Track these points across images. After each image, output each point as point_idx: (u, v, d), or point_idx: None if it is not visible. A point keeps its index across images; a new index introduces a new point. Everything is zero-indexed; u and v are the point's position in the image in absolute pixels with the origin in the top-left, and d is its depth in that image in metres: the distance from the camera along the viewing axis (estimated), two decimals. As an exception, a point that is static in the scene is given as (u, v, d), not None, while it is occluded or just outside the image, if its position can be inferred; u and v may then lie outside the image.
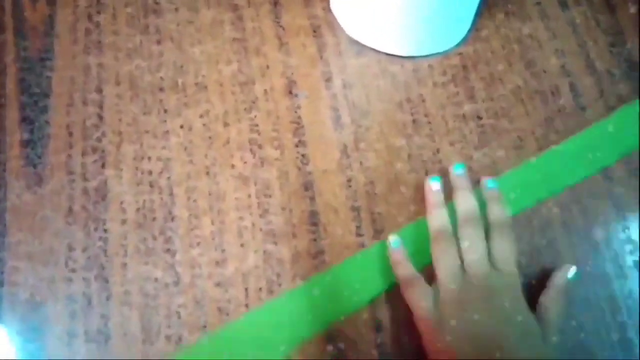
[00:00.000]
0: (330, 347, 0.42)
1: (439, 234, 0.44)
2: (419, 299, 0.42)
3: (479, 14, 0.53)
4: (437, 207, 0.45)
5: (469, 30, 0.53)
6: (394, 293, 0.43)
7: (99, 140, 0.48)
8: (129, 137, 0.48)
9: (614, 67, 0.52)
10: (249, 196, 0.47)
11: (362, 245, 0.46)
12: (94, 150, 0.48)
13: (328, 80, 0.51)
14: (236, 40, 0.53)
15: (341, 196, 0.47)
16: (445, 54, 0.53)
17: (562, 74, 0.52)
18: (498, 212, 0.45)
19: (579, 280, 0.44)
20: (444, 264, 0.43)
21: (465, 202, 0.45)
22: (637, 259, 0.46)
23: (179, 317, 0.43)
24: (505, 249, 0.43)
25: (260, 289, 0.44)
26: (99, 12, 0.53)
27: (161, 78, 0.51)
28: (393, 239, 0.45)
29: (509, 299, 0.41)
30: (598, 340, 0.43)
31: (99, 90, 0.50)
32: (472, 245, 0.43)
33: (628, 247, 0.46)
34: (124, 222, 0.46)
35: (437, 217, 0.45)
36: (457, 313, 0.40)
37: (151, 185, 0.47)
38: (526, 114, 0.51)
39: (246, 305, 0.43)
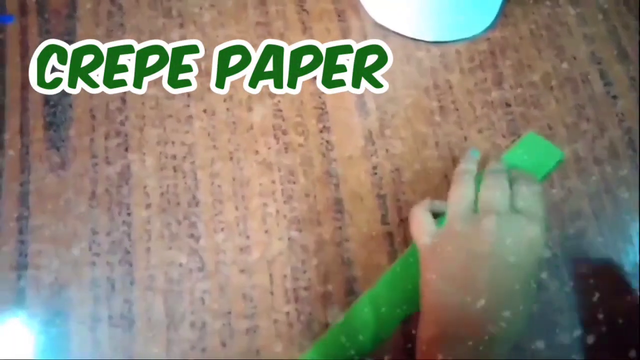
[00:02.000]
0: None
1: (461, 172, 0.42)
2: (420, 223, 0.41)
3: (507, -2, 0.52)
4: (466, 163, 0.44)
5: (497, 16, 0.52)
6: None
7: (122, 123, 0.48)
8: (152, 121, 0.48)
9: (646, 52, 0.51)
10: (273, 182, 0.46)
11: (389, 234, 0.45)
12: (117, 133, 0.47)
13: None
14: (259, 24, 0.52)
15: (367, 183, 0.46)
16: (472, 40, 0.52)
17: (592, 60, 0.51)
18: (527, 175, 0.43)
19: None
20: (456, 198, 0.41)
21: (493, 164, 0.44)
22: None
23: (203, 303, 0.43)
24: (533, 195, 0.40)
25: (285, 276, 0.43)
26: (121, -5, 0.53)
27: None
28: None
29: (515, 261, 0.37)
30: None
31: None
32: (494, 182, 0.41)
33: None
34: (148, 206, 0.45)
35: (464, 164, 0.43)
36: (440, 264, 0.39)
37: (175, 170, 0.46)
38: (556, 101, 0.50)
39: (271, 293, 0.43)
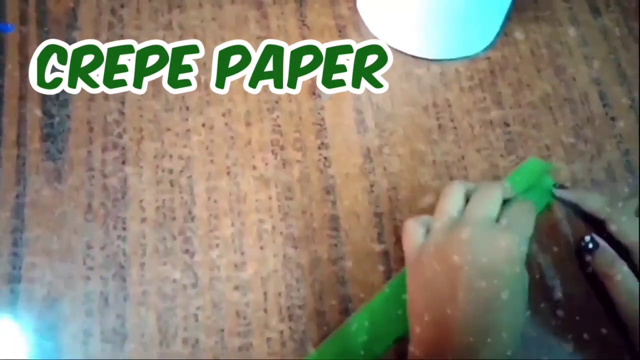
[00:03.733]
0: None
1: (451, 184, 0.42)
2: (410, 235, 0.41)
3: (508, 17, 0.52)
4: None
5: (498, 34, 0.52)
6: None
7: (119, 136, 0.48)
8: (150, 134, 0.48)
9: (646, 76, 0.51)
10: (270, 198, 0.46)
11: (385, 253, 0.45)
12: (115, 146, 0.47)
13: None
14: (260, 38, 0.52)
15: (363, 201, 0.46)
16: (472, 58, 0.52)
17: (592, 82, 0.51)
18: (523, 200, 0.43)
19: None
20: (440, 209, 0.41)
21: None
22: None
23: (197, 320, 0.42)
24: (521, 212, 0.40)
25: (279, 293, 0.43)
26: (122, 6, 0.52)
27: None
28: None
29: (483, 263, 0.37)
30: None
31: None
32: (485, 193, 0.41)
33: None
34: (143, 220, 0.45)
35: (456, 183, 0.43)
36: (420, 276, 0.39)
37: (171, 184, 0.46)
38: (554, 122, 0.50)
39: (265, 310, 0.43)
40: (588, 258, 0.42)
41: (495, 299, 0.36)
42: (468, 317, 0.36)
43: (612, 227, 0.42)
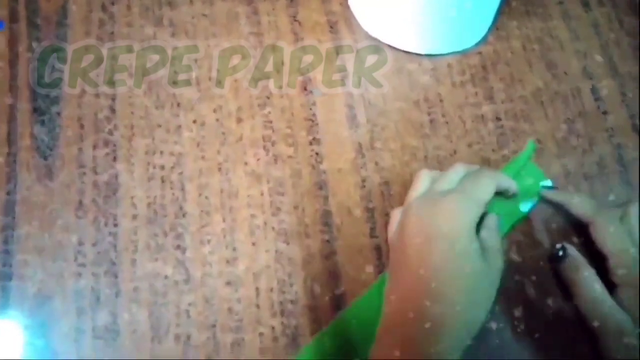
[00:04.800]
0: None
1: (420, 171, 0.43)
2: (390, 223, 0.42)
3: (499, 12, 0.52)
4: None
5: (489, 29, 0.52)
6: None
7: (110, 133, 0.48)
8: (141, 130, 0.48)
9: (637, 70, 0.51)
10: (262, 194, 0.46)
11: (377, 248, 0.45)
12: (106, 143, 0.47)
13: (344, 77, 0.50)
14: (251, 35, 0.52)
15: (355, 196, 0.46)
16: (464, 53, 0.52)
17: (584, 76, 0.51)
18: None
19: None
20: (409, 194, 0.42)
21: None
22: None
23: (188, 316, 0.42)
24: (471, 178, 0.41)
25: (271, 289, 0.43)
26: (113, 3, 0.52)
27: (175, 71, 0.50)
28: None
29: (446, 227, 0.38)
30: None
31: (111, 83, 0.49)
32: (444, 175, 0.42)
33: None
34: (134, 217, 0.45)
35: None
36: (393, 254, 0.40)
37: (163, 181, 0.46)
38: (546, 116, 0.49)
39: (257, 306, 0.43)
40: (558, 265, 0.43)
41: (445, 262, 0.37)
42: (422, 287, 0.36)
43: (594, 233, 0.42)
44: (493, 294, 0.38)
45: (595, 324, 0.39)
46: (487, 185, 0.40)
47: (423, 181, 0.42)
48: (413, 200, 0.41)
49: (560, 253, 0.42)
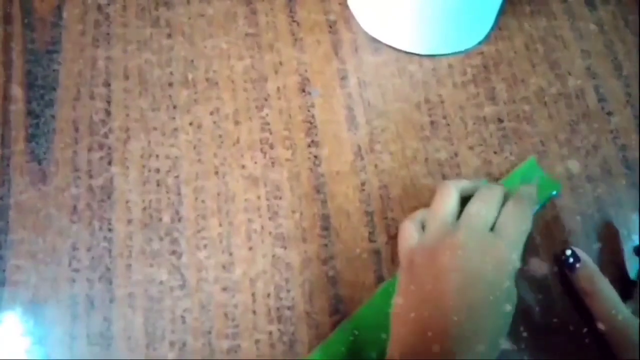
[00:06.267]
0: None
1: (446, 183, 0.42)
2: (404, 237, 0.41)
3: (502, 11, 0.51)
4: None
5: (492, 29, 0.51)
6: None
7: (105, 136, 0.47)
8: (136, 133, 0.47)
9: (642, 70, 0.50)
10: (259, 198, 0.45)
11: (376, 252, 0.44)
12: (101, 146, 0.47)
13: (343, 78, 0.49)
14: (249, 35, 0.51)
15: (354, 200, 0.45)
16: (466, 53, 0.51)
17: (588, 76, 0.50)
18: (527, 188, 0.42)
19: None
20: (435, 209, 0.40)
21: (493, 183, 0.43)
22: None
23: (184, 322, 0.42)
24: (515, 220, 0.39)
25: (268, 294, 0.42)
26: (108, 4, 0.52)
27: (171, 73, 0.49)
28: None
29: (474, 273, 0.37)
30: None
31: (107, 85, 0.49)
32: (483, 198, 0.40)
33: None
34: (129, 221, 0.44)
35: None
36: (412, 277, 0.38)
37: (158, 184, 0.45)
38: (549, 117, 0.49)
39: (253, 312, 0.42)
40: (568, 273, 0.41)
41: (481, 308, 0.36)
42: (452, 322, 0.35)
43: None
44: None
45: (612, 337, 0.38)
46: (528, 229, 0.39)
47: (452, 196, 0.40)
48: (461, 230, 0.38)
49: (571, 260, 0.41)
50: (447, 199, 0.41)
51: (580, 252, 0.41)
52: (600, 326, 0.39)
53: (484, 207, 0.40)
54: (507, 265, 0.38)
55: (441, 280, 0.37)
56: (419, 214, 0.42)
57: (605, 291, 0.39)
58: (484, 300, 0.36)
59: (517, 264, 0.38)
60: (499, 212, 0.40)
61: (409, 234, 0.41)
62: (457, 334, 0.35)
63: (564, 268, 0.42)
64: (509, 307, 0.37)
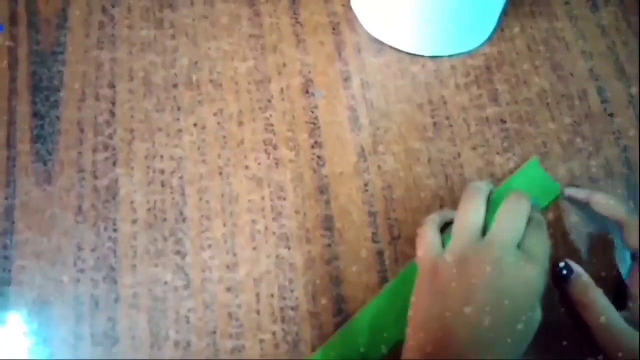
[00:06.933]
0: None
1: (473, 188, 0.41)
2: (426, 243, 0.40)
3: (504, 12, 0.51)
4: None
5: (494, 30, 0.51)
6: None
7: (110, 137, 0.47)
8: (141, 134, 0.47)
9: (644, 71, 0.50)
10: (263, 198, 0.46)
11: (379, 253, 0.44)
12: (105, 147, 0.47)
13: (346, 79, 0.50)
14: (253, 37, 0.51)
15: (357, 200, 0.46)
16: (468, 54, 0.51)
17: (590, 77, 0.50)
18: (538, 215, 0.42)
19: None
20: (463, 218, 0.40)
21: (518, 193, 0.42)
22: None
23: (188, 322, 0.42)
24: (541, 243, 0.39)
25: (272, 295, 0.43)
26: (113, 6, 0.52)
27: (175, 74, 0.49)
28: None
29: (502, 291, 0.37)
30: None
31: (112, 86, 0.49)
32: (512, 211, 0.40)
33: None
34: (134, 222, 0.44)
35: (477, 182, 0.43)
36: (436, 286, 0.38)
37: (162, 185, 0.46)
38: (552, 118, 0.49)
39: (257, 312, 0.42)
40: (563, 284, 0.41)
41: (506, 327, 0.36)
42: (474, 336, 0.35)
43: (627, 235, 0.41)
44: None
45: (607, 347, 0.38)
46: (549, 249, 0.40)
47: (480, 204, 0.40)
48: (495, 244, 0.38)
49: (565, 271, 0.41)
50: (476, 207, 0.41)
51: (573, 264, 0.41)
52: (596, 337, 0.39)
53: (515, 222, 0.40)
54: (537, 288, 0.38)
55: (468, 294, 0.37)
56: (436, 218, 0.42)
57: (599, 302, 0.39)
58: (508, 320, 0.36)
59: (543, 288, 0.38)
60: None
61: (429, 241, 0.40)
62: (475, 350, 0.35)
63: (558, 281, 0.41)
64: (530, 333, 0.37)
